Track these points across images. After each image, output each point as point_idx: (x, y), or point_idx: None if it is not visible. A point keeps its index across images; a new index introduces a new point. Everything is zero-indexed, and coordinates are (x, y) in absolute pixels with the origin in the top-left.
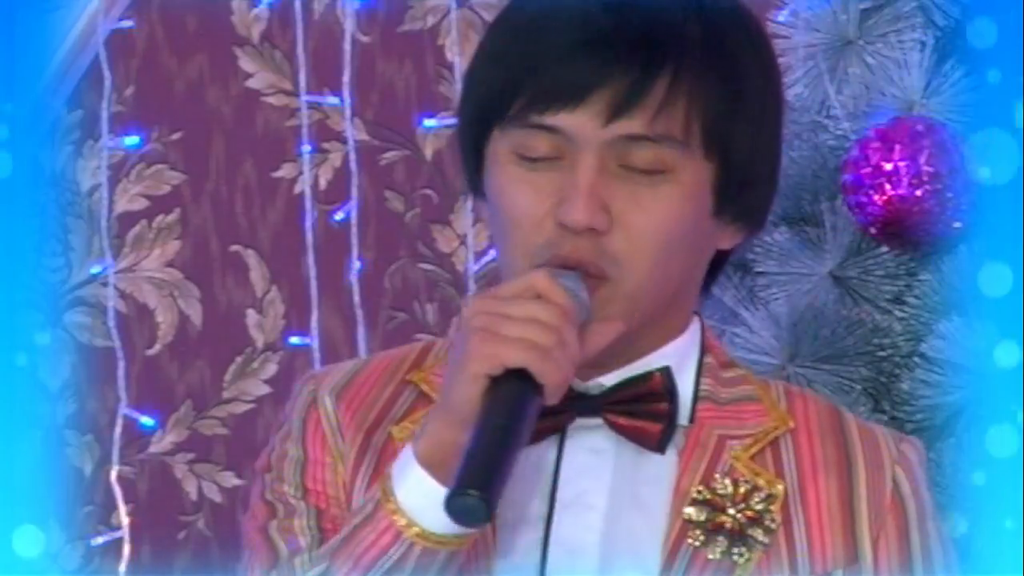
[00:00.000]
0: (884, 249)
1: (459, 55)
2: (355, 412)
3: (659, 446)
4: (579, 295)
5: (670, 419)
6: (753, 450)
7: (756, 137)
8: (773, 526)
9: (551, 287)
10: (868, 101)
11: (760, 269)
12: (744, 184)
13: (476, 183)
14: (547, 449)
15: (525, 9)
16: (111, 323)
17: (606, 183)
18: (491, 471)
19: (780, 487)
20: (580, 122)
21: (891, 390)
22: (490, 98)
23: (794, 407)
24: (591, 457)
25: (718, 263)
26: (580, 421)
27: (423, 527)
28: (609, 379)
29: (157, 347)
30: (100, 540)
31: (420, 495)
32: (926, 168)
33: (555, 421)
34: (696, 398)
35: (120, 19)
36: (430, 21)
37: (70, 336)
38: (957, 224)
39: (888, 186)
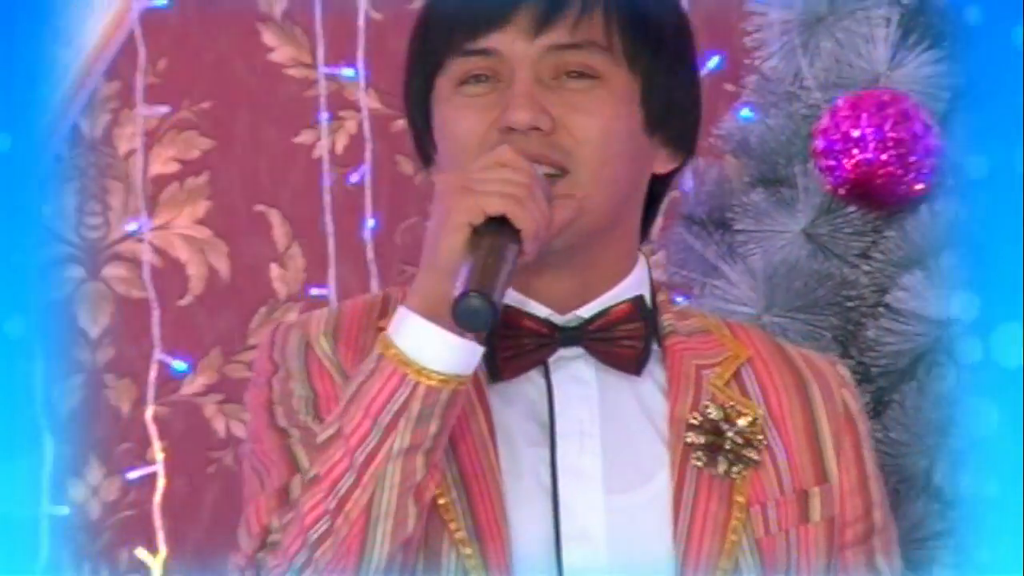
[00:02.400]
0: (852, 209)
1: None
2: (351, 351)
3: (636, 368)
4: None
5: (643, 342)
6: (725, 377)
7: (674, 65)
8: (761, 446)
9: (516, 156)
10: (838, 73)
11: (738, 227)
12: (669, 107)
13: (426, 148)
14: (536, 381)
15: None
16: (146, 276)
17: (543, 92)
18: (489, 283)
19: (760, 411)
20: (509, 39)
21: (858, 337)
22: (430, 35)
23: (739, 337)
24: (577, 387)
25: (657, 196)
26: (562, 352)
27: (425, 366)
28: (585, 311)
29: (188, 298)
30: (136, 474)
31: (419, 339)
32: (891, 135)
33: (540, 353)
34: (661, 329)
35: None
36: None
37: (109, 288)
38: (919, 186)
39: (856, 151)
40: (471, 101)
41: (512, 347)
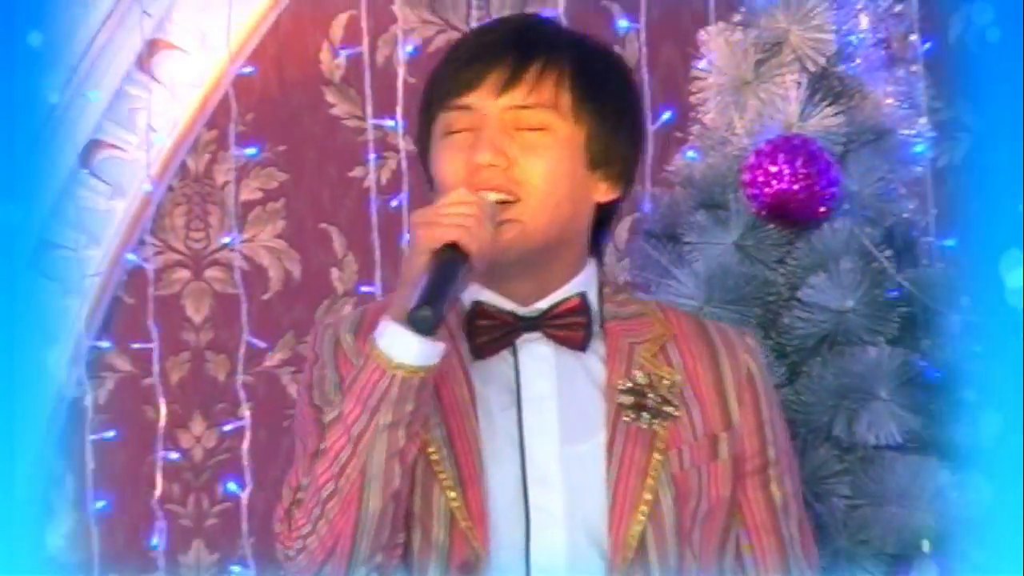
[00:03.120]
0: (771, 226)
1: None
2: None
3: (582, 346)
4: (489, 204)
5: (587, 327)
6: (652, 350)
7: (616, 118)
8: (677, 403)
9: (467, 194)
10: (761, 124)
11: (686, 240)
12: (608, 151)
13: (429, 173)
14: (507, 359)
15: (454, 45)
16: (237, 277)
17: (503, 139)
18: (436, 297)
19: (678, 377)
20: (480, 97)
21: (776, 324)
22: (430, 96)
23: (669, 319)
24: (538, 363)
25: (604, 220)
26: (526, 336)
27: (400, 361)
28: (542, 304)
29: (269, 294)
30: (230, 427)
31: (395, 341)
32: (801, 170)
33: (508, 338)
34: (603, 316)
35: (243, 66)
36: None
37: (209, 286)
38: (822, 209)
39: (774, 182)
40: (454, 143)
41: (487, 334)
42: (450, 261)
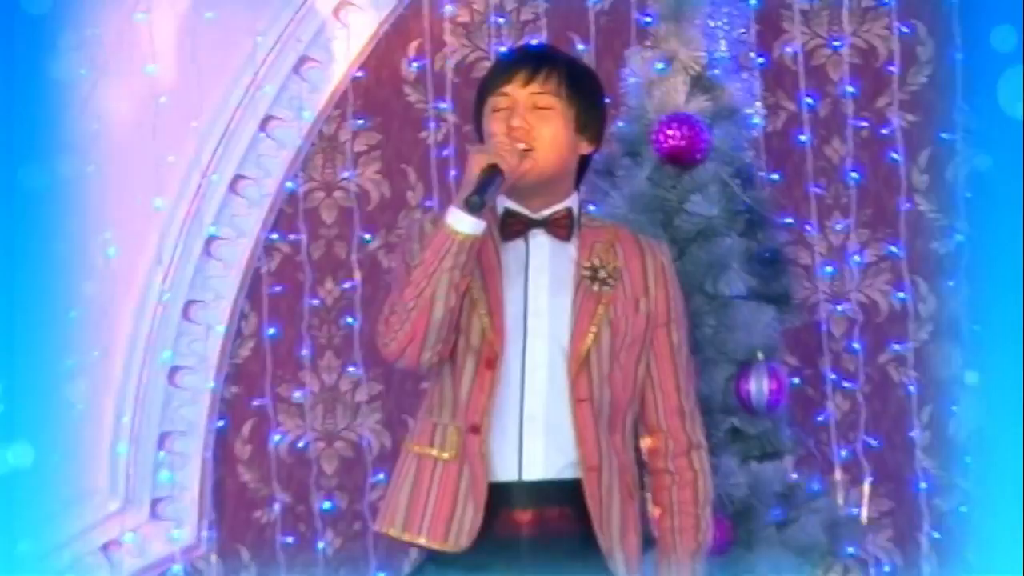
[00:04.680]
0: (668, 166)
1: None
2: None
3: (567, 238)
4: (518, 148)
5: (570, 228)
6: (605, 247)
7: (590, 102)
8: (616, 279)
9: (505, 139)
10: (662, 106)
11: (618, 174)
12: (587, 123)
13: (480, 134)
14: (521, 244)
15: (497, 59)
16: (352, 196)
17: (527, 113)
18: (482, 192)
19: (619, 264)
20: (514, 88)
21: (671, 223)
22: (483, 88)
23: (617, 231)
24: (539, 247)
25: (584, 164)
26: (534, 230)
27: (458, 230)
28: (545, 212)
29: (371, 206)
30: (348, 284)
31: (456, 218)
32: (686, 133)
33: (524, 230)
34: (580, 224)
35: (357, 71)
36: None
37: (335, 202)
38: (698, 156)
39: (670, 140)
40: (498, 116)
41: (511, 227)
42: (492, 173)
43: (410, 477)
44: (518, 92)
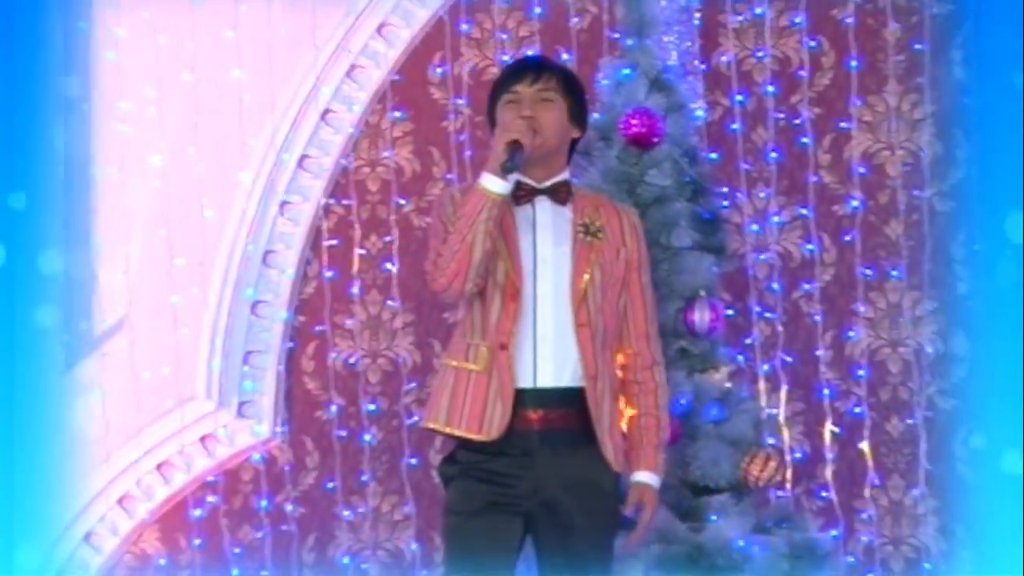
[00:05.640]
0: (632, 148)
1: None
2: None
3: (564, 203)
4: (530, 130)
5: (568, 195)
6: (593, 209)
7: (578, 97)
8: (602, 234)
9: (521, 122)
10: (628, 101)
11: (593, 154)
12: (577, 113)
13: (492, 121)
14: (529, 208)
15: (507, 65)
16: (391, 171)
17: (533, 105)
18: (509, 159)
19: (603, 222)
20: (523, 86)
21: (634, 192)
22: (497, 87)
23: (600, 199)
24: (544, 210)
25: (573, 145)
26: (539, 197)
27: (491, 190)
28: (547, 183)
29: (405, 178)
30: (388, 239)
31: (489, 181)
32: (645, 122)
33: (531, 196)
34: (573, 193)
35: (393, 75)
36: None
37: (378, 175)
38: (655, 140)
39: (633, 128)
40: (510, 108)
41: (521, 194)
42: (516, 147)
43: (448, 385)
44: (526, 89)
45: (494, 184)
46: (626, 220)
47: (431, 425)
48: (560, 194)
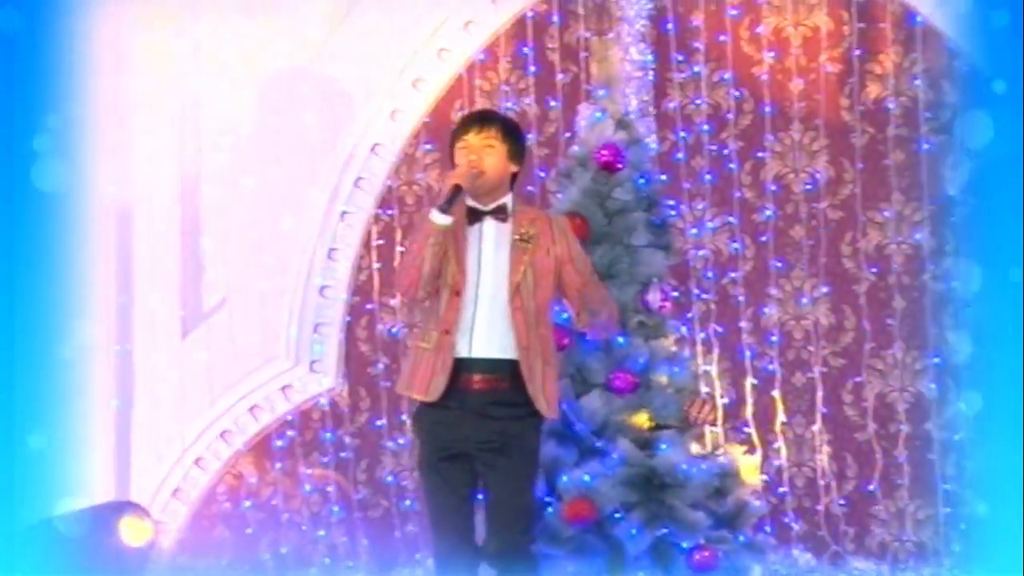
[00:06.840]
0: (602, 172)
1: None
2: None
3: (504, 220)
4: (474, 172)
5: (507, 214)
6: (528, 222)
7: (515, 142)
8: (536, 242)
9: (466, 167)
10: (600, 138)
11: (575, 176)
12: (515, 153)
13: (452, 162)
14: (478, 226)
15: (461, 118)
16: (423, 183)
17: (478, 150)
18: (449, 201)
19: (535, 232)
20: (471, 135)
21: (604, 205)
22: (454, 135)
23: (536, 212)
24: (489, 227)
25: (514, 178)
26: (486, 218)
27: (436, 223)
28: (491, 206)
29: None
30: (389, 214)
31: (434, 215)
32: (612, 152)
33: (479, 217)
34: (513, 212)
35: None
36: None
37: (418, 184)
38: (619, 166)
39: (603, 157)
40: (461, 152)
41: (472, 216)
42: (457, 190)
43: (411, 360)
44: (473, 138)
45: (437, 218)
46: (555, 225)
47: (398, 390)
48: (501, 214)
